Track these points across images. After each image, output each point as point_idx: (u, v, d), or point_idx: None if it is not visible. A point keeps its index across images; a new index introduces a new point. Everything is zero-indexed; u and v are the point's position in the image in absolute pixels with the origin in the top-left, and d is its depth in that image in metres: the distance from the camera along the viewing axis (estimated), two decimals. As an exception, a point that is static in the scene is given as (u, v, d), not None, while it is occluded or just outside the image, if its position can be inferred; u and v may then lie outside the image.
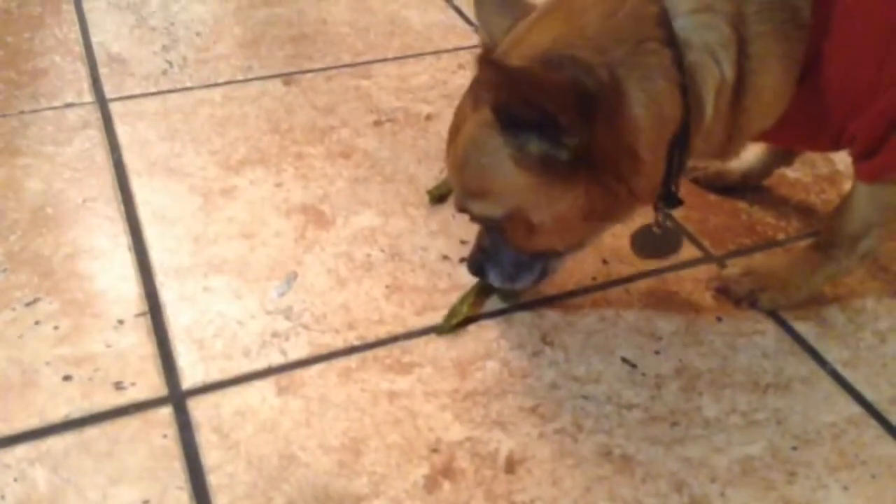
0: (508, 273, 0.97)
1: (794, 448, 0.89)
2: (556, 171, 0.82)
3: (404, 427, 0.90)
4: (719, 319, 1.04)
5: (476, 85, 0.85)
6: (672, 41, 0.80)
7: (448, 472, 0.86)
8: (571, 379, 0.95)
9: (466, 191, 0.90)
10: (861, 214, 0.97)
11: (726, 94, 0.83)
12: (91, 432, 0.88)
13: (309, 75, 1.48)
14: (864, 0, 0.85)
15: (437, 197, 1.20)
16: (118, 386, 0.93)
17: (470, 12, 1.64)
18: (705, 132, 0.85)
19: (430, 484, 0.85)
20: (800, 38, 0.84)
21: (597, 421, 0.91)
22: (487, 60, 0.77)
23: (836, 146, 0.94)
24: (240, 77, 1.47)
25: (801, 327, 1.03)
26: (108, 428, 0.89)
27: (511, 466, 0.86)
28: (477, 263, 0.98)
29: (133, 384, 0.94)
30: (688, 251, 1.13)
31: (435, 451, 0.88)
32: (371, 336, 1.01)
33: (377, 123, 1.37)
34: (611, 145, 0.81)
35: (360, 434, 0.89)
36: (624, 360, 0.98)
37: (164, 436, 0.88)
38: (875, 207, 0.96)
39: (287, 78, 1.47)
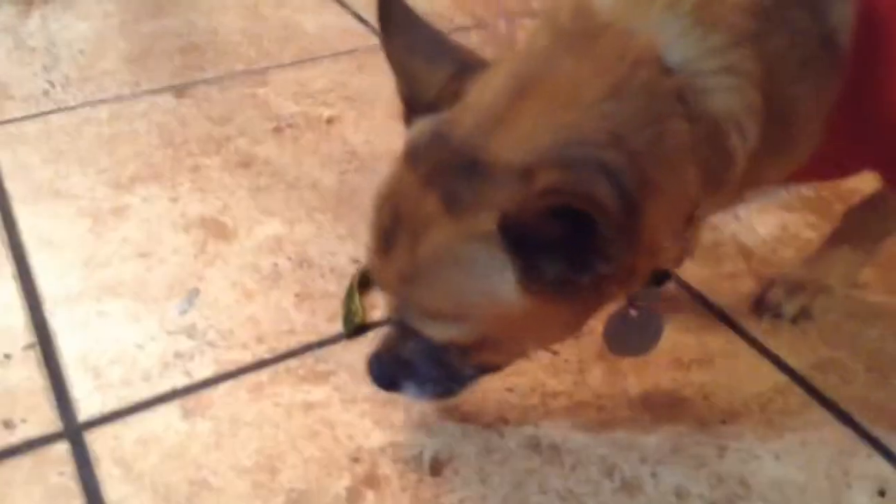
0: (430, 388, 0.79)
1: (723, 422, 0.88)
2: (569, 294, 0.67)
3: (322, 439, 0.85)
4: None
5: (445, 178, 0.67)
6: (694, 115, 0.66)
7: (371, 480, 0.81)
8: (493, 372, 0.92)
9: (421, 309, 0.71)
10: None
11: (746, 158, 0.71)
12: (-23, 478, 0.81)
13: (202, 86, 1.42)
14: None
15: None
16: (7, 424, 0.86)
17: (366, 14, 1.61)
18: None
19: (353, 495, 0.80)
20: (834, 86, 0.72)
21: (523, 413, 0.87)
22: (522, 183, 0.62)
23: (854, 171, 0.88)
24: (127, 93, 1.40)
25: (721, 301, 1.02)
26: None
27: (437, 468, 0.82)
28: (389, 376, 0.79)
29: (24, 421, 0.86)
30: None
31: (356, 460, 0.83)
32: (282, 347, 0.95)
33: (277, 130, 1.32)
34: (637, 250, 0.66)
35: (276, 451, 0.84)
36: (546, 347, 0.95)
37: (61, 473, 0.81)
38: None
39: (179, 90, 1.40)
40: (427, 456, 0.83)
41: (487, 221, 0.64)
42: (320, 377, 0.92)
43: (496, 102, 0.67)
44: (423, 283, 0.69)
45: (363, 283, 1.02)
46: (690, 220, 0.72)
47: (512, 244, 0.64)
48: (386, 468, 0.82)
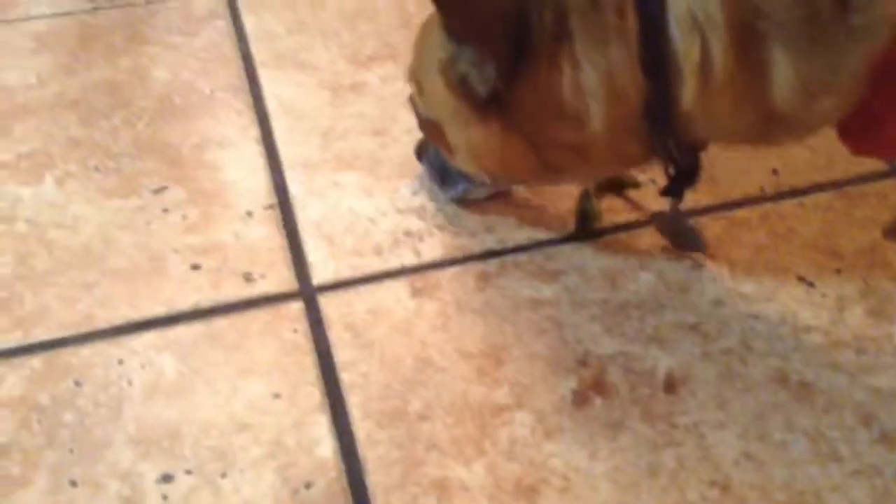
0: (435, 174, 0.95)
1: None
2: (472, 101, 0.72)
3: (549, 337, 0.82)
4: (909, 240, 0.91)
5: None
6: (648, 8, 0.63)
7: (599, 386, 0.78)
8: (738, 296, 0.85)
9: (412, 66, 0.82)
10: None
11: (717, 74, 0.63)
12: (220, 323, 0.84)
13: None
14: None
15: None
16: (247, 277, 0.89)
17: None
18: (703, 114, 0.66)
19: (580, 399, 0.77)
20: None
21: (769, 343, 0.81)
22: None
23: None
24: (370, -30, 1.39)
25: None
26: (238, 319, 0.84)
27: (671, 386, 0.77)
28: (419, 149, 0.97)
29: (262, 276, 0.89)
30: (872, 163, 1.00)
31: (584, 364, 0.79)
32: (511, 241, 0.93)
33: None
34: (542, 100, 0.69)
35: (501, 342, 0.82)
36: (800, 278, 0.87)
37: (295, 330, 0.83)
38: None
39: (419, -28, 1.38)
40: (661, 371, 0.78)
41: None
42: (550, 275, 0.88)
43: None
44: (417, 38, 0.80)
45: (601, 184, 0.97)
46: (657, 129, 0.69)
47: (443, 27, 0.70)
48: (615, 377, 0.78)
